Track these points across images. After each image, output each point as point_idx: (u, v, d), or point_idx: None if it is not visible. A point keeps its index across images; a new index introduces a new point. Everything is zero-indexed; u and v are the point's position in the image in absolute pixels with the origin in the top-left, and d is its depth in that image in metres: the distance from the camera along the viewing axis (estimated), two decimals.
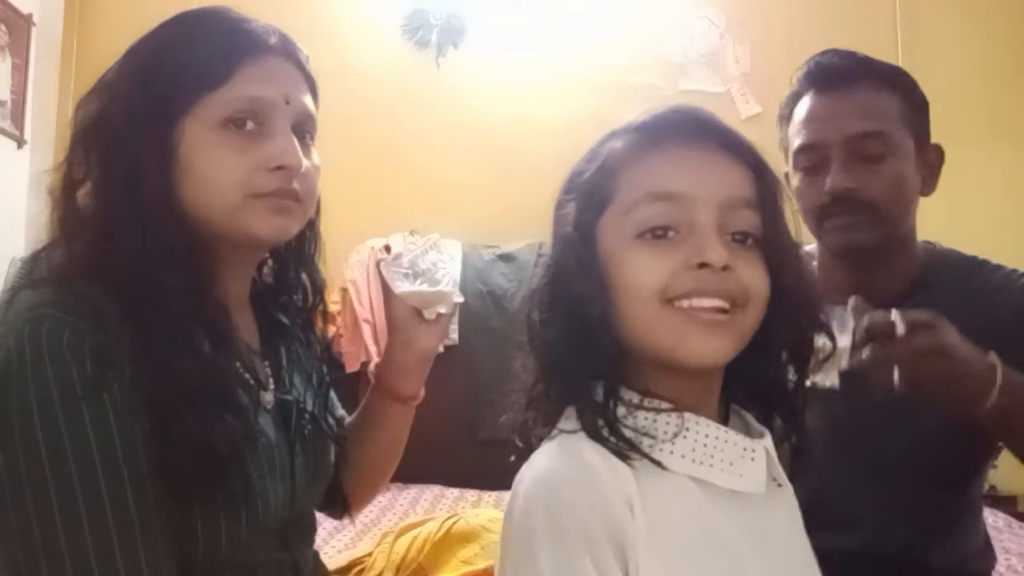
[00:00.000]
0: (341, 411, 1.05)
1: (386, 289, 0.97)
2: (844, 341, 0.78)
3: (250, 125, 0.79)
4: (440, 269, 0.97)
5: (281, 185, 0.80)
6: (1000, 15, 2.96)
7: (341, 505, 1.05)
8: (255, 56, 0.81)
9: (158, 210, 0.77)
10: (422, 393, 1.04)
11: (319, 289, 0.97)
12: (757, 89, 2.95)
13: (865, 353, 0.82)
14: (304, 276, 0.95)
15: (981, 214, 2.66)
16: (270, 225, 0.81)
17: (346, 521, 1.85)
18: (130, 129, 0.78)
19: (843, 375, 0.80)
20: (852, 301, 0.88)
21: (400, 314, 0.97)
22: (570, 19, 3.06)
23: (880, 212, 1.07)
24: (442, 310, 0.98)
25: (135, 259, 0.76)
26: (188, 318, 0.76)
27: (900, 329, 0.82)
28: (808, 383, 0.77)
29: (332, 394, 1.02)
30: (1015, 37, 2.95)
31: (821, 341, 0.75)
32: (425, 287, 0.96)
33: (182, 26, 0.83)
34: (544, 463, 0.68)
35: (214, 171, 0.79)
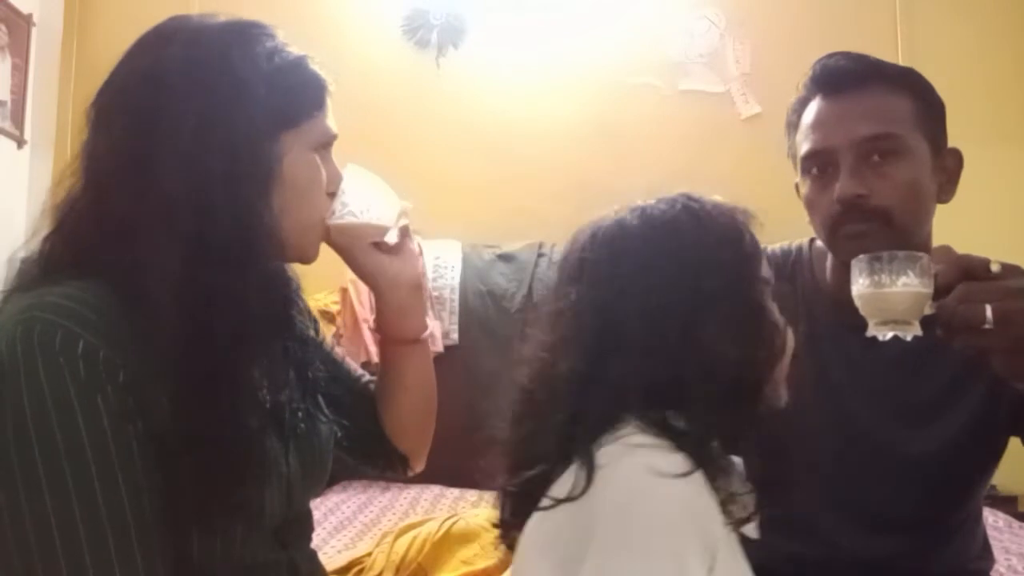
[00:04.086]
0: (362, 373, 1.07)
1: (342, 249, 0.92)
2: (927, 287, 0.78)
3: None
4: (371, 196, 0.91)
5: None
6: (1000, 15, 2.96)
7: (400, 462, 1.06)
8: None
9: (256, 218, 0.77)
10: (429, 326, 1.02)
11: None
12: (757, 89, 2.95)
13: (957, 291, 0.79)
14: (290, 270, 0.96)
15: (982, 215, 2.65)
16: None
17: (346, 521, 1.85)
18: (232, 136, 0.77)
19: (925, 321, 0.79)
20: (935, 249, 0.86)
21: (360, 258, 0.93)
22: (570, 19, 3.06)
23: (893, 220, 1.01)
24: (397, 228, 0.93)
25: (229, 285, 0.74)
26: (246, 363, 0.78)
27: (995, 267, 0.80)
28: (882, 337, 0.78)
29: (348, 361, 1.06)
30: (1015, 37, 2.96)
31: (897, 289, 0.78)
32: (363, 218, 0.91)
33: (264, 44, 0.82)
34: (670, 477, 0.68)
35: (313, 185, 0.85)
